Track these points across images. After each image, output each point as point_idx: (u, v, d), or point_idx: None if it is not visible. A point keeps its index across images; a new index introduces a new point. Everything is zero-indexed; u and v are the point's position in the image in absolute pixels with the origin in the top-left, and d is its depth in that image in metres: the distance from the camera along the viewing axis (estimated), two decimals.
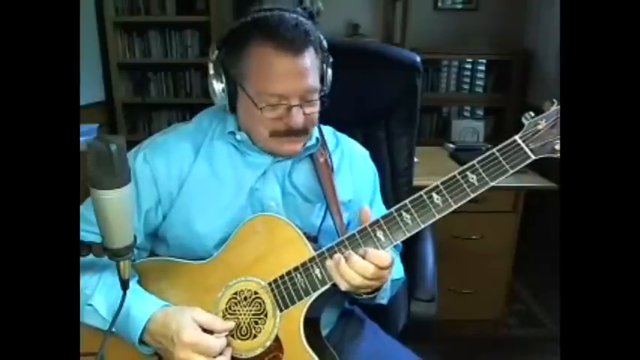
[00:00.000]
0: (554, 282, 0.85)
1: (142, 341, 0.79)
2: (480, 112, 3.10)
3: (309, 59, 0.82)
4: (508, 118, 2.93)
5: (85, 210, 0.80)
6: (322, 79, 0.88)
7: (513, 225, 1.87)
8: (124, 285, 0.65)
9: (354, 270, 0.75)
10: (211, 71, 0.85)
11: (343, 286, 0.76)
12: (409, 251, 0.78)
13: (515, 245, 1.90)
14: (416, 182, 1.32)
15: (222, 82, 0.85)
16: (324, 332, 0.93)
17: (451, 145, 2.20)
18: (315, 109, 0.86)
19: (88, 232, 0.80)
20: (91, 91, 2.86)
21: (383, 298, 0.92)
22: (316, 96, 0.85)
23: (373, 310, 1.06)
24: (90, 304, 0.80)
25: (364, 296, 0.83)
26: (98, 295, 0.81)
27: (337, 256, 0.77)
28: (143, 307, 0.80)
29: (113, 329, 0.67)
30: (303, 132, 0.86)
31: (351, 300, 1.04)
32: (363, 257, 0.75)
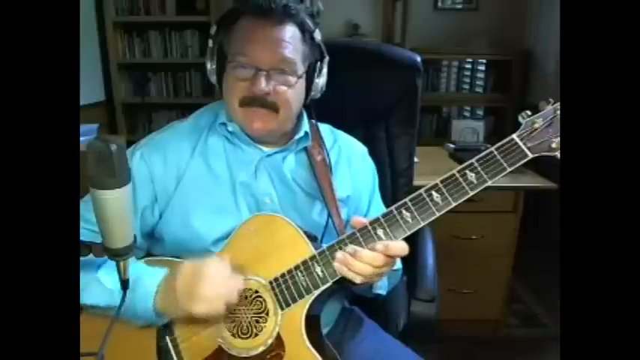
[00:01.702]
0: (554, 282, 0.85)
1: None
2: (480, 112, 3.11)
3: (288, 34, 0.85)
4: (508, 118, 2.93)
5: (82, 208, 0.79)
6: (309, 67, 0.88)
7: (513, 225, 1.87)
8: (124, 285, 0.65)
9: (363, 262, 0.75)
10: (210, 45, 0.89)
11: (358, 279, 0.77)
12: (409, 251, 0.78)
13: (515, 245, 1.89)
14: (416, 182, 1.32)
15: (214, 58, 0.89)
16: (324, 331, 0.93)
17: (451, 145, 2.20)
18: (286, 88, 0.85)
19: (85, 230, 0.80)
20: (91, 91, 2.87)
21: (381, 288, 0.93)
22: (291, 74, 0.85)
23: (373, 309, 1.06)
24: (96, 279, 0.80)
25: (362, 286, 0.82)
26: (103, 271, 0.81)
27: (340, 253, 0.77)
28: (154, 272, 0.80)
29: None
30: (272, 107, 0.85)
31: (351, 299, 1.04)
32: (384, 252, 0.75)
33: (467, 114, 3.13)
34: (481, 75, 3.02)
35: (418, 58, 1.24)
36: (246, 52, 0.83)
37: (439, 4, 3.01)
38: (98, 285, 0.80)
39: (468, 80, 3.05)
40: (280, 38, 0.84)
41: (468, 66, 3.03)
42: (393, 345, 1.00)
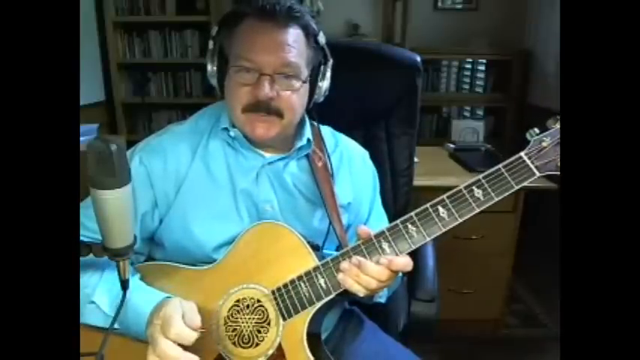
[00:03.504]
0: (554, 282, 0.85)
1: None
2: (480, 112, 3.11)
3: (292, 37, 0.83)
4: (508, 118, 2.93)
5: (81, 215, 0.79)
6: (312, 71, 0.87)
7: (513, 225, 1.87)
8: (124, 285, 0.65)
9: (369, 276, 0.75)
10: (210, 47, 0.88)
11: (362, 293, 0.77)
12: (410, 252, 0.78)
13: (515, 245, 1.89)
14: (416, 182, 1.32)
15: (215, 60, 0.87)
16: (325, 334, 0.93)
17: (451, 145, 2.20)
18: (290, 92, 0.84)
19: (84, 237, 0.79)
20: (91, 91, 2.87)
21: (382, 297, 0.93)
22: (295, 78, 0.84)
23: (373, 310, 1.06)
24: (92, 302, 0.79)
25: (364, 298, 0.82)
26: (100, 291, 0.80)
27: (346, 263, 0.77)
28: (146, 298, 0.79)
29: (116, 325, 0.67)
30: (275, 112, 0.84)
31: (351, 300, 1.04)
32: (388, 267, 0.75)
33: (467, 114, 3.13)
34: (481, 75, 3.02)
35: (418, 58, 1.24)
36: (249, 56, 0.81)
37: (439, 4, 3.01)
38: (94, 308, 0.79)
39: (467, 80, 3.05)
40: (284, 42, 0.82)
41: (468, 66, 3.03)
42: (392, 346, 0.99)
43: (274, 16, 0.82)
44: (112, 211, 0.59)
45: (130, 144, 0.93)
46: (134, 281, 0.83)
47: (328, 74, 0.90)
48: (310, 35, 0.86)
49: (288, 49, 0.82)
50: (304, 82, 0.85)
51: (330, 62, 0.90)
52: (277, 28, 0.82)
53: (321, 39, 0.87)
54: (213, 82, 0.89)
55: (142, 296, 0.79)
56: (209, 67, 0.88)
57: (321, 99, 0.92)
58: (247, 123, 0.85)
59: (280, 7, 0.82)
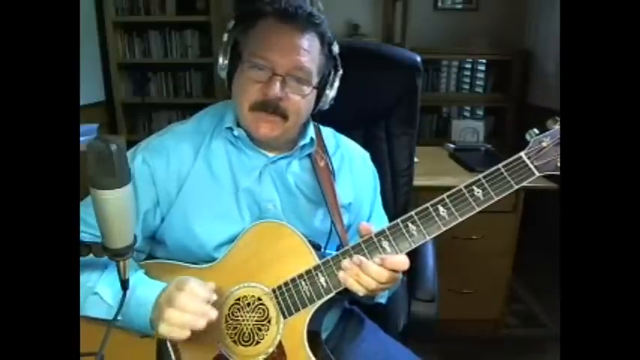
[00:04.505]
0: (554, 282, 0.85)
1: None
2: (480, 112, 3.11)
3: (308, 42, 0.84)
4: (508, 118, 2.93)
5: (82, 212, 0.79)
6: (322, 79, 0.88)
7: (513, 225, 1.87)
8: (124, 285, 0.65)
9: (370, 276, 0.76)
10: (224, 40, 0.88)
11: (362, 292, 0.77)
12: (410, 252, 0.78)
13: (515, 245, 1.90)
14: (416, 182, 1.32)
15: (227, 54, 0.87)
16: (325, 333, 0.93)
17: (451, 145, 2.20)
18: (299, 97, 0.85)
19: (86, 234, 0.80)
20: (91, 91, 2.87)
21: (382, 297, 0.93)
22: (306, 84, 0.84)
23: (373, 310, 1.06)
24: (95, 293, 0.79)
25: (364, 298, 0.83)
26: (102, 283, 0.80)
27: (347, 262, 0.77)
28: (150, 290, 0.79)
29: (119, 317, 0.66)
30: (280, 113, 0.84)
31: (351, 300, 1.04)
32: (382, 265, 0.76)
33: (467, 114, 3.13)
34: (481, 75, 3.02)
35: (418, 58, 1.24)
36: (264, 55, 0.82)
37: (439, 4, 3.01)
38: (97, 299, 0.79)
39: (467, 80, 3.05)
40: (300, 45, 0.83)
41: (468, 66, 3.03)
42: (392, 346, 1.00)
43: (295, 19, 0.82)
44: (112, 211, 0.59)
45: (130, 144, 0.93)
46: (138, 275, 0.83)
47: (336, 84, 0.91)
48: (325, 43, 0.86)
49: (303, 52, 0.83)
50: (314, 88, 0.86)
51: (340, 72, 0.91)
52: (296, 31, 0.83)
53: (335, 48, 0.88)
54: (223, 75, 0.89)
55: (147, 289, 0.80)
56: (220, 60, 0.88)
57: (327, 106, 0.92)
58: (252, 122, 0.85)
59: (301, 12, 0.82)
